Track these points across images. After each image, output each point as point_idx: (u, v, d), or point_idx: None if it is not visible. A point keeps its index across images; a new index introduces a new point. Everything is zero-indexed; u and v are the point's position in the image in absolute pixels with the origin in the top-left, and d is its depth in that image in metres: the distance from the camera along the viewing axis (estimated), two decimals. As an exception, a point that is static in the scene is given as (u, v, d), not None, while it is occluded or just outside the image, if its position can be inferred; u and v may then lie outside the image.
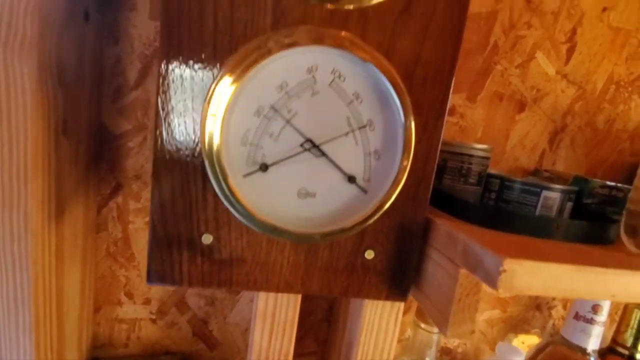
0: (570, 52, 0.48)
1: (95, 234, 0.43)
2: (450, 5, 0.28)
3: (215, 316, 0.50)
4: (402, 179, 0.24)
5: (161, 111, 0.25)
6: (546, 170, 0.48)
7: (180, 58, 0.26)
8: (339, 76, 0.23)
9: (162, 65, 0.26)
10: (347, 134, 0.23)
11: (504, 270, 0.24)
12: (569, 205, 0.39)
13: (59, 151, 0.33)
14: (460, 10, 0.29)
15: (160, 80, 0.26)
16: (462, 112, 0.48)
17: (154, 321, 0.48)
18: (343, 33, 0.23)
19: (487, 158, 0.40)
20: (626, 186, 0.41)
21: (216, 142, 0.21)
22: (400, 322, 0.38)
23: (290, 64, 0.22)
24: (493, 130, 0.49)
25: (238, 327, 0.50)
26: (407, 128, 0.23)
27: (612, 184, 0.42)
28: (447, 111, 0.31)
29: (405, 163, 0.24)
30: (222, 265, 0.31)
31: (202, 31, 0.27)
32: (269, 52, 0.21)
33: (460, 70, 0.47)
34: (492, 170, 0.46)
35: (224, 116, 0.21)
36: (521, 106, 0.49)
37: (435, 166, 0.32)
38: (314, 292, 0.33)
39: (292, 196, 0.24)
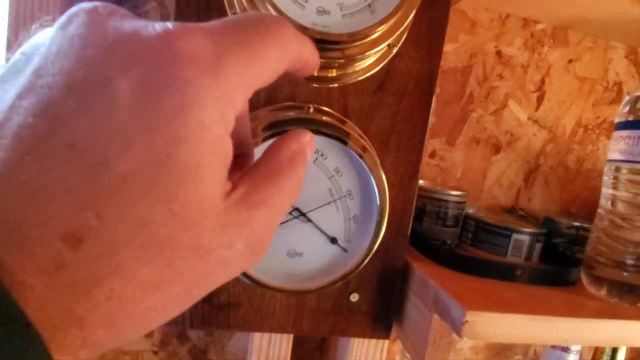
0: (540, 100, 0.53)
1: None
2: (418, 84, 0.33)
3: (214, 346, 0.53)
4: (378, 239, 0.28)
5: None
6: (521, 209, 0.52)
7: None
8: (322, 155, 0.27)
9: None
10: (329, 203, 0.27)
11: (467, 321, 0.27)
12: (538, 246, 0.43)
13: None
14: (428, 89, 0.33)
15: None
16: (442, 155, 0.52)
17: (156, 353, 0.51)
18: (324, 118, 0.28)
19: (463, 202, 0.44)
20: (590, 226, 0.45)
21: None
22: (386, 354, 0.42)
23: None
24: (471, 171, 0.53)
25: (236, 356, 0.53)
26: (381, 199, 0.27)
27: (578, 224, 0.46)
28: (419, 172, 0.35)
29: (380, 226, 0.27)
30: (220, 309, 0.35)
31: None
32: (261, 141, 0.25)
33: (440, 118, 0.51)
34: (470, 209, 0.50)
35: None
36: (496, 149, 0.53)
37: (411, 219, 0.36)
38: (304, 333, 0.36)
39: (282, 256, 0.28)
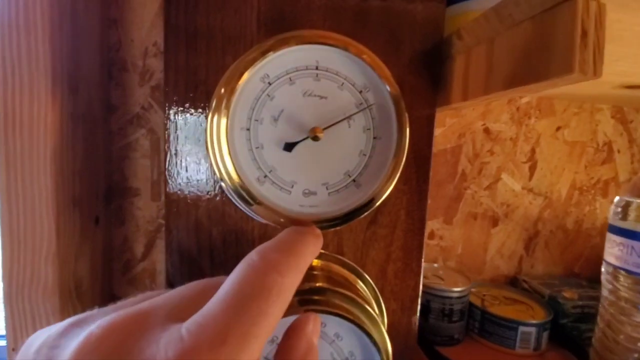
0: (532, 169, 0.53)
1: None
2: (410, 213, 0.33)
3: None
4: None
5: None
6: (524, 281, 0.52)
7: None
8: (321, 324, 0.27)
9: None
10: (332, 367, 0.27)
11: None
12: (546, 334, 0.43)
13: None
14: (420, 214, 0.33)
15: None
16: (440, 234, 0.52)
17: None
18: (318, 284, 0.28)
19: (467, 295, 0.44)
20: (595, 302, 0.45)
21: None
22: None
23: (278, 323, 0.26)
24: (472, 246, 0.53)
25: None
26: (383, 356, 0.27)
27: (583, 302, 0.46)
28: (420, 294, 0.35)
29: (385, 379, 0.28)
30: None
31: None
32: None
33: (435, 199, 0.51)
34: (473, 286, 0.50)
35: None
36: (494, 221, 0.53)
37: (416, 338, 0.36)
38: None
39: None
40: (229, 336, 0.14)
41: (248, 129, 0.24)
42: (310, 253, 0.18)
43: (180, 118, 0.30)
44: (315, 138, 0.24)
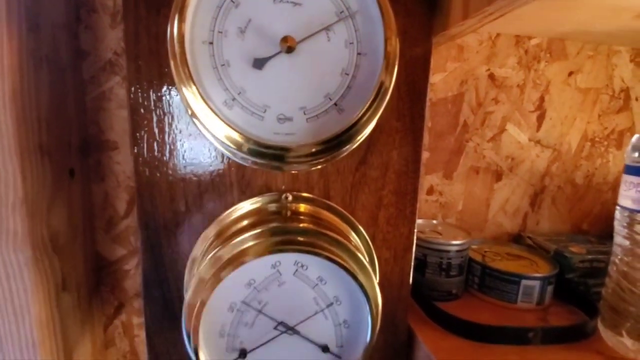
0: (541, 119, 0.49)
1: (105, 350, 0.46)
2: (403, 154, 0.30)
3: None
4: (372, 340, 0.26)
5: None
6: (529, 237, 0.50)
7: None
8: (302, 266, 0.25)
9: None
10: (316, 312, 0.25)
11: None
12: (550, 288, 0.41)
13: (61, 307, 0.36)
14: (414, 156, 0.30)
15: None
16: (440, 189, 0.49)
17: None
18: (302, 224, 0.25)
19: (466, 249, 0.42)
20: (605, 257, 0.42)
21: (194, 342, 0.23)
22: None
23: (256, 265, 0.24)
24: (473, 202, 0.50)
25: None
26: (371, 306, 0.25)
27: (591, 256, 0.43)
28: (414, 243, 0.32)
29: (373, 328, 0.25)
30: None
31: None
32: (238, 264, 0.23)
33: (434, 152, 0.48)
34: (474, 242, 0.47)
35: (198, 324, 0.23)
36: (498, 176, 0.50)
37: (410, 288, 0.34)
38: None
39: (274, 369, 0.26)
40: None
41: (211, 43, 0.21)
42: None
43: (143, 44, 0.27)
44: (289, 50, 0.21)
